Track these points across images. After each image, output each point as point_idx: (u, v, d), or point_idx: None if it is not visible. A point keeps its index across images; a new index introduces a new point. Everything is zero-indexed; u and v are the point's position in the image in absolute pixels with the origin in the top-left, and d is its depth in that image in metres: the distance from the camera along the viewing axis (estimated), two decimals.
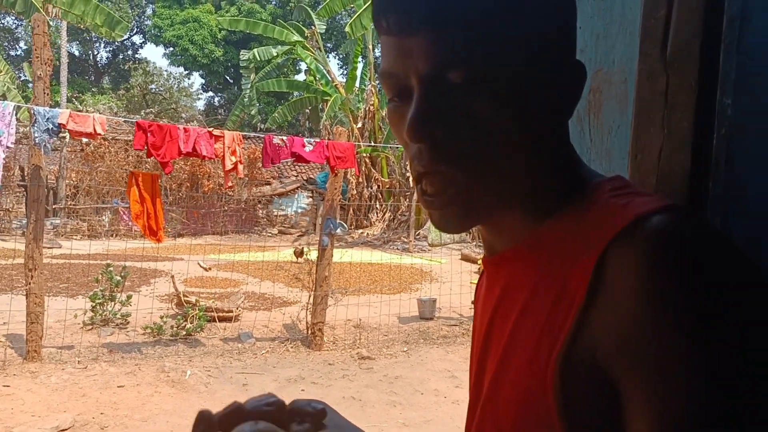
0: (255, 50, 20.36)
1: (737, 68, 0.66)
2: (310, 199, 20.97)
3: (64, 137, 15.34)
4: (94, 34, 27.64)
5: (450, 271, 10.08)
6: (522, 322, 0.62)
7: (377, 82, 17.59)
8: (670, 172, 0.73)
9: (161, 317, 6.80)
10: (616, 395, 0.52)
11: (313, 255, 7.25)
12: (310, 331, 6.77)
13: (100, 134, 5.63)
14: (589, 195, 0.62)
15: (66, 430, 3.84)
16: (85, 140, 15.58)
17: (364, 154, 17.84)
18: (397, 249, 16.01)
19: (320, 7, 18.81)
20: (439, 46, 0.57)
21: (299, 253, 11.93)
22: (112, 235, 15.01)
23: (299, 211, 21.04)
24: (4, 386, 4.65)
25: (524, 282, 0.63)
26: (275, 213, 21.03)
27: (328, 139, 7.97)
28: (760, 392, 0.48)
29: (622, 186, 0.61)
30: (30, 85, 17.20)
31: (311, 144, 6.62)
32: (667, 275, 0.50)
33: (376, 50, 19.33)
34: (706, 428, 0.47)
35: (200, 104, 36.99)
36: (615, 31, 0.88)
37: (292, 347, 6.63)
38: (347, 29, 16.41)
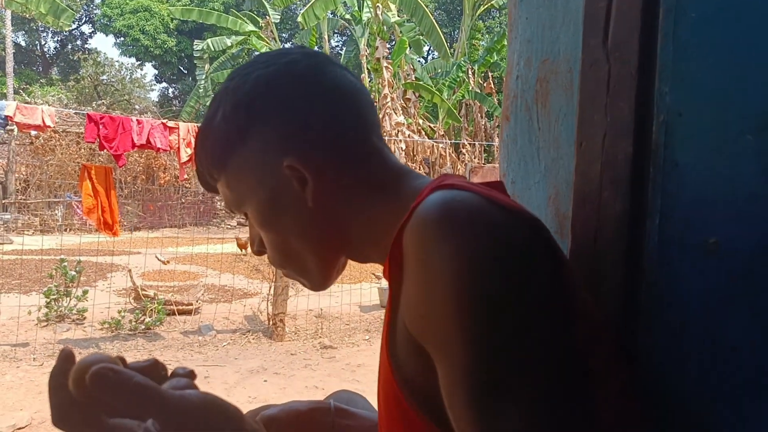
0: (209, 40, 20.01)
1: (674, 57, 0.69)
2: None
3: (12, 130, 14.87)
4: (40, 24, 26.77)
5: None
6: (385, 320, 0.72)
7: None
8: (613, 158, 0.76)
9: (119, 312, 6.69)
10: (431, 358, 0.59)
11: None
12: (271, 322, 6.75)
13: (49, 126, 5.49)
14: (414, 203, 0.71)
15: (23, 428, 3.76)
16: (34, 133, 15.14)
17: None
18: None
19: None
20: (223, 199, 0.83)
21: (243, 245, 11.91)
22: (65, 230, 14.66)
23: None
24: None
25: (390, 287, 0.73)
26: None
27: None
28: (515, 337, 0.54)
29: (436, 184, 0.70)
30: None
31: None
32: (424, 247, 0.58)
33: (331, 40, 19.22)
34: (478, 373, 0.53)
35: (154, 95, 36.32)
36: (560, 22, 0.90)
37: (253, 338, 6.61)
38: (300, 19, 16.22)
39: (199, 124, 6.83)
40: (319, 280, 0.82)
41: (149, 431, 0.50)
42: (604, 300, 0.72)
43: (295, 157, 0.74)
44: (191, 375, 0.58)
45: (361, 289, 8.04)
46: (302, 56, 0.79)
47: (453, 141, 13.99)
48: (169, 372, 0.59)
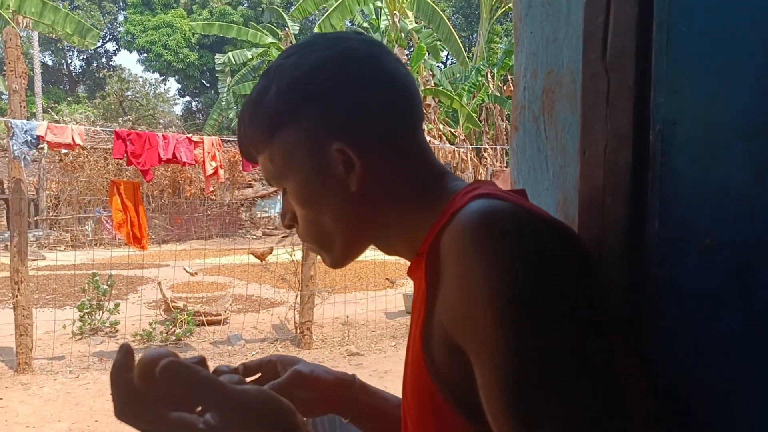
0: (230, 53, 20.26)
1: (667, 69, 0.73)
2: None
3: (43, 148, 15.22)
4: (66, 43, 27.35)
5: None
6: (414, 317, 0.74)
7: None
8: (614, 166, 0.80)
9: (150, 324, 6.82)
10: (468, 358, 0.62)
11: (298, 255, 7.29)
12: (298, 331, 6.82)
13: (78, 144, 5.64)
14: (447, 205, 0.74)
15: None
16: (64, 151, 15.48)
17: None
18: None
19: (293, 8, 18.78)
20: (263, 171, 0.84)
21: (260, 256, 12.06)
22: (96, 245, 14.93)
23: None
24: None
25: (417, 285, 0.76)
26: (259, 215, 20.99)
27: None
28: (552, 340, 0.57)
29: (471, 189, 0.73)
30: (4, 97, 17.00)
31: None
32: (466, 254, 0.61)
33: None
34: (517, 374, 0.57)
35: (178, 109, 36.78)
36: (562, 36, 0.95)
37: (281, 347, 6.68)
38: (316, 29, 16.38)
39: (223, 137, 6.94)
40: (340, 260, 0.84)
41: (209, 423, 0.53)
42: (610, 299, 0.76)
43: (347, 142, 0.76)
44: (238, 371, 0.63)
45: (386, 296, 8.09)
46: (361, 43, 0.79)
47: (474, 146, 13.98)
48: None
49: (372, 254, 12.25)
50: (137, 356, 0.56)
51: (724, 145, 0.67)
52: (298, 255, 7.30)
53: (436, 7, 16.02)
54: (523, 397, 0.57)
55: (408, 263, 0.83)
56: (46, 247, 15.22)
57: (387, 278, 10.19)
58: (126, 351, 0.56)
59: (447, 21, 16.14)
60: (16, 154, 5.26)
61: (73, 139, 5.45)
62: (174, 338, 6.73)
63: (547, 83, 0.98)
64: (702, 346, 0.67)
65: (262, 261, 12.10)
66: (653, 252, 0.73)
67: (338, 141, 0.76)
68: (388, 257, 12.33)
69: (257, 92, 0.80)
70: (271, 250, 12.69)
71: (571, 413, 0.56)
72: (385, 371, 5.77)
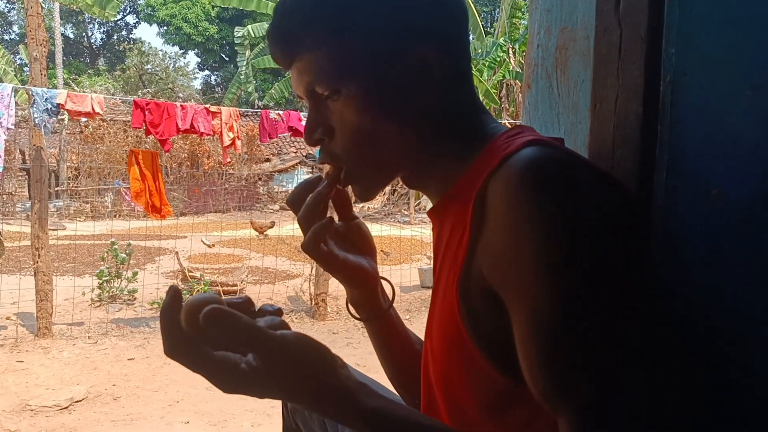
0: (249, 27, 20.18)
1: (679, 20, 0.72)
2: (310, 175, 20.96)
3: (63, 119, 15.35)
4: (87, 16, 27.43)
5: None
6: (444, 260, 0.74)
7: None
8: (625, 118, 0.80)
9: (167, 292, 6.91)
10: (504, 306, 0.62)
11: None
12: (313, 302, 6.88)
13: (98, 113, 5.68)
14: (489, 147, 0.72)
15: (80, 401, 3.96)
16: (83, 121, 15.60)
17: None
18: (398, 222, 16.09)
19: None
20: (302, 73, 0.74)
21: (259, 229, 12.11)
22: (115, 216, 15.10)
23: None
24: (17, 362, 4.77)
25: (447, 227, 0.75)
26: (276, 189, 21.08)
27: None
28: (600, 299, 0.57)
29: (516, 133, 0.71)
30: (26, 69, 17.14)
31: None
32: (520, 200, 0.59)
33: None
34: (561, 325, 0.57)
35: (197, 83, 36.81)
36: None
37: (296, 318, 6.76)
38: None
39: (241, 110, 6.95)
40: (371, 190, 0.79)
41: (251, 364, 0.57)
42: None
43: (432, 47, 0.73)
44: (279, 312, 0.65)
45: (401, 270, 8.12)
46: None
47: None
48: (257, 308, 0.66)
49: (387, 230, 12.26)
50: (185, 298, 0.60)
51: (734, 95, 0.67)
52: None
53: None
54: (562, 352, 0.57)
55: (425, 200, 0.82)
56: (66, 217, 15.42)
57: (382, 250, 10.23)
58: (174, 293, 0.60)
59: None
60: (36, 122, 5.31)
61: (93, 108, 5.49)
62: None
63: (561, 40, 0.98)
64: (708, 295, 0.67)
65: (261, 234, 12.17)
66: (661, 202, 0.73)
67: (424, 45, 0.72)
68: (403, 233, 12.36)
69: None
70: (273, 224, 12.72)
71: (609, 376, 0.56)
72: None
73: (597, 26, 0.84)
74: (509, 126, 0.79)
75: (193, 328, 0.56)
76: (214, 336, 0.56)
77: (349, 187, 0.82)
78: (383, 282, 0.95)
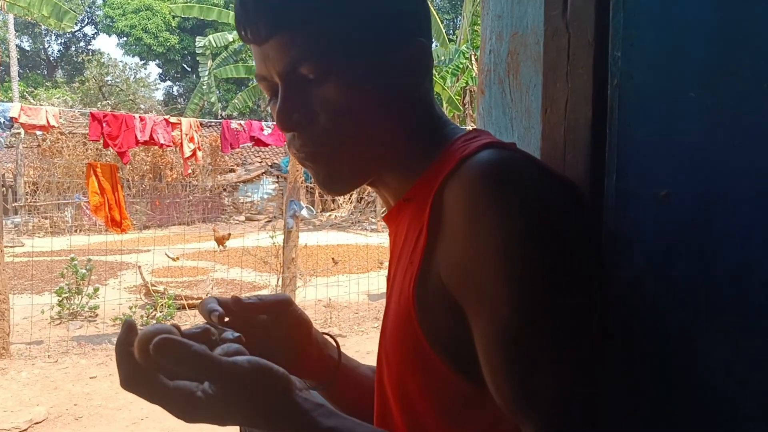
0: (210, 36, 20.00)
1: (624, 24, 0.73)
2: (276, 185, 20.87)
3: (19, 134, 14.99)
4: (44, 27, 26.90)
5: None
6: (399, 262, 0.72)
7: None
8: (575, 122, 0.81)
9: (130, 308, 6.78)
10: (463, 311, 0.61)
11: (280, 239, 7.27)
12: None
13: (54, 126, 5.56)
14: (446, 149, 0.71)
15: (40, 422, 3.85)
16: (40, 135, 15.26)
17: None
18: (365, 230, 16.09)
19: None
20: (286, 48, 0.66)
21: (220, 240, 12.03)
22: (75, 231, 14.79)
23: (265, 197, 20.93)
24: None
25: (403, 231, 0.74)
26: (241, 200, 20.90)
27: None
28: (560, 299, 0.57)
29: (473, 137, 0.71)
30: None
31: (270, 127, 6.63)
32: (478, 205, 0.59)
33: None
34: (523, 331, 0.57)
35: (159, 94, 36.38)
36: None
37: None
38: None
39: (203, 121, 6.88)
40: (346, 182, 0.74)
41: (207, 392, 0.56)
42: None
43: (426, 43, 0.72)
44: (240, 340, 0.63)
45: (368, 278, 8.11)
46: None
47: None
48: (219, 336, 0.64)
49: (354, 238, 12.24)
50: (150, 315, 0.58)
51: (678, 97, 0.67)
52: (280, 239, 7.29)
53: None
54: (525, 360, 0.57)
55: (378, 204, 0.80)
56: (24, 233, 15.04)
57: (332, 258, 10.26)
58: (128, 327, 0.59)
59: (428, 1, 16.09)
60: None
61: (48, 121, 5.37)
62: (154, 322, 6.70)
63: (512, 45, 0.99)
64: (658, 297, 0.68)
65: (219, 246, 12.07)
66: (611, 206, 0.74)
67: (422, 36, 0.72)
68: (370, 241, 12.36)
69: None
70: (229, 235, 12.61)
71: (571, 378, 0.56)
72: (367, 352, 5.79)
73: (546, 31, 0.85)
74: (465, 129, 0.78)
75: (146, 359, 0.55)
76: (166, 366, 0.55)
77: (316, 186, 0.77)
78: (328, 338, 0.90)
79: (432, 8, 16.23)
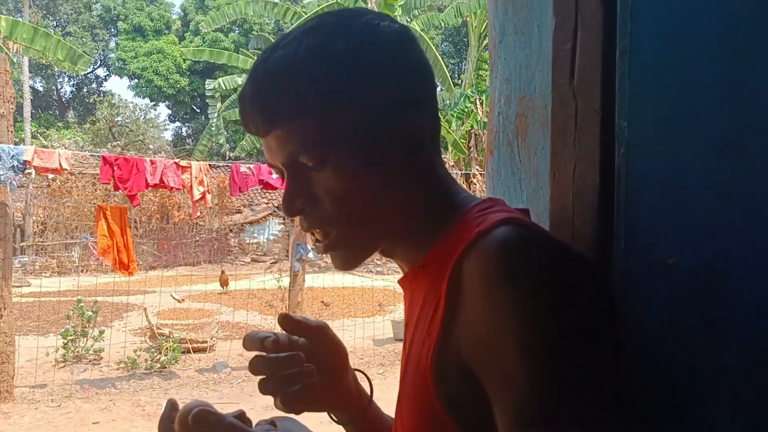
0: (220, 79, 20.38)
1: (630, 94, 0.75)
2: (282, 226, 20.92)
3: (30, 173, 15.16)
4: (57, 69, 27.41)
5: None
6: (416, 332, 0.73)
7: None
8: (583, 187, 0.82)
9: (135, 351, 6.75)
10: (482, 384, 0.62)
11: (285, 281, 7.26)
12: None
13: (65, 169, 5.63)
14: (461, 218, 0.72)
15: None
16: (51, 176, 15.42)
17: None
18: (371, 272, 16.04)
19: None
20: (285, 141, 0.70)
21: (225, 282, 12.04)
22: (82, 271, 14.80)
23: (271, 238, 20.97)
24: None
25: (419, 297, 0.74)
26: (247, 241, 20.93)
27: None
28: (579, 375, 0.58)
29: (488, 207, 0.72)
30: None
31: None
32: (497, 283, 0.60)
33: None
34: (543, 410, 0.57)
35: (168, 135, 36.77)
36: (534, 62, 0.97)
37: None
38: None
39: (212, 163, 6.95)
40: (355, 258, 0.76)
41: None
42: None
43: (418, 115, 0.72)
44: (273, 424, 0.69)
45: (374, 322, 8.06)
46: (407, 27, 0.77)
47: (463, 171, 14.08)
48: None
49: (360, 280, 12.20)
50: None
51: (684, 167, 0.69)
52: (286, 281, 7.27)
53: (424, 35, 16.25)
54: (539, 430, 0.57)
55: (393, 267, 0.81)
56: (31, 273, 15.06)
57: (322, 301, 10.21)
58: (171, 405, 0.68)
59: (434, 48, 16.38)
60: (1, 179, 5.23)
61: (60, 164, 5.44)
62: (159, 366, 6.65)
63: (520, 108, 1.01)
64: (668, 363, 0.68)
65: (223, 287, 12.12)
66: (620, 272, 0.74)
67: (414, 112, 0.72)
68: (375, 284, 12.30)
69: (315, 46, 0.69)
70: (223, 273, 12.68)
71: None
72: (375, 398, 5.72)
73: (553, 97, 0.87)
74: (479, 198, 0.79)
75: (185, 430, 0.63)
76: None
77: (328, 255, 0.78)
78: (360, 374, 0.92)
79: (437, 53, 16.52)
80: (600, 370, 0.60)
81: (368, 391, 0.91)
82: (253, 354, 0.78)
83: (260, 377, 0.77)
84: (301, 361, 0.79)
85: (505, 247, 0.61)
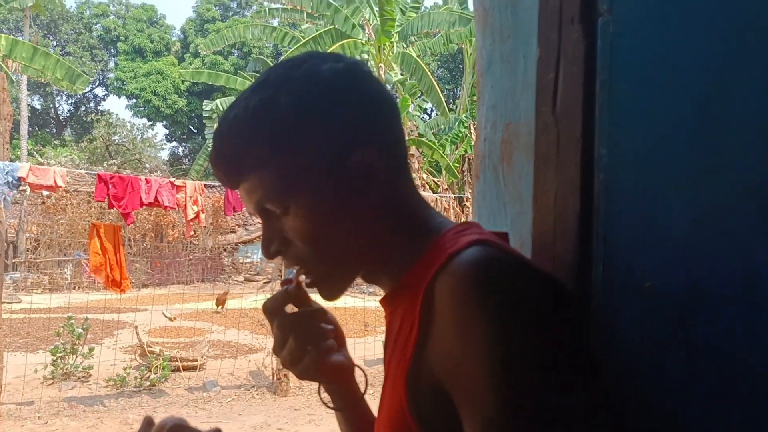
0: (218, 100, 20.49)
1: (609, 123, 0.77)
2: None
3: (25, 190, 15.14)
4: (55, 87, 27.51)
5: None
6: (394, 352, 0.75)
7: None
8: (564, 212, 0.84)
9: (124, 368, 6.70)
10: (453, 403, 0.63)
11: None
12: (275, 377, 6.73)
13: (60, 187, 5.64)
14: (437, 241, 0.75)
15: None
16: (45, 193, 15.41)
17: None
18: (363, 292, 16.00)
19: (282, 58, 19.13)
20: (250, 193, 0.76)
21: (221, 302, 11.99)
22: (74, 288, 14.72)
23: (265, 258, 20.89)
24: None
25: (397, 318, 0.77)
26: (241, 260, 20.87)
27: None
28: (543, 394, 0.59)
29: (462, 230, 0.74)
30: None
31: None
32: (465, 303, 0.61)
33: None
34: (506, 429, 0.58)
35: (164, 154, 36.78)
36: (520, 90, 1.00)
37: (257, 394, 6.58)
38: None
39: (207, 182, 6.95)
40: (337, 289, 0.81)
41: None
42: None
43: (370, 149, 0.75)
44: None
45: (365, 343, 8.02)
46: (357, 61, 0.80)
47: (457, 195, 14.13)
48: None
49: (352, 301, 12.16)
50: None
51: (662, 193, 0.71)
52: None
53: (420, 61, 16.41)
54: None
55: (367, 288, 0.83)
56: (23, 290, 14.97)
57: (365, 324, 10.13)
58: (147, 421, 0.70)
59: (429, 74, 16.54)
60: None
61: (55, 181, 5.45)
62: (148, 383, 6.60)
63: (506, 134, 1.03)
64: (645, 387, 0.69)
65: (218, 307, 12.06)
66: (599, 296, 0.76)
67: (361, 148, 0.75)
68: (367, 304, 12.27)
69: (261, 103, 0.74)
70: (226, 293, 12.61)
71: None
72: None
73: (536, 124, 0.89)
74: (455, 222, 0.82)
75: None
76: None
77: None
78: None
79: (433, 79, 16.63)
80: (568, 390, 0.61)
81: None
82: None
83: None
84: (326, 317, 0.87)
85: (473, 268, 0.63)
